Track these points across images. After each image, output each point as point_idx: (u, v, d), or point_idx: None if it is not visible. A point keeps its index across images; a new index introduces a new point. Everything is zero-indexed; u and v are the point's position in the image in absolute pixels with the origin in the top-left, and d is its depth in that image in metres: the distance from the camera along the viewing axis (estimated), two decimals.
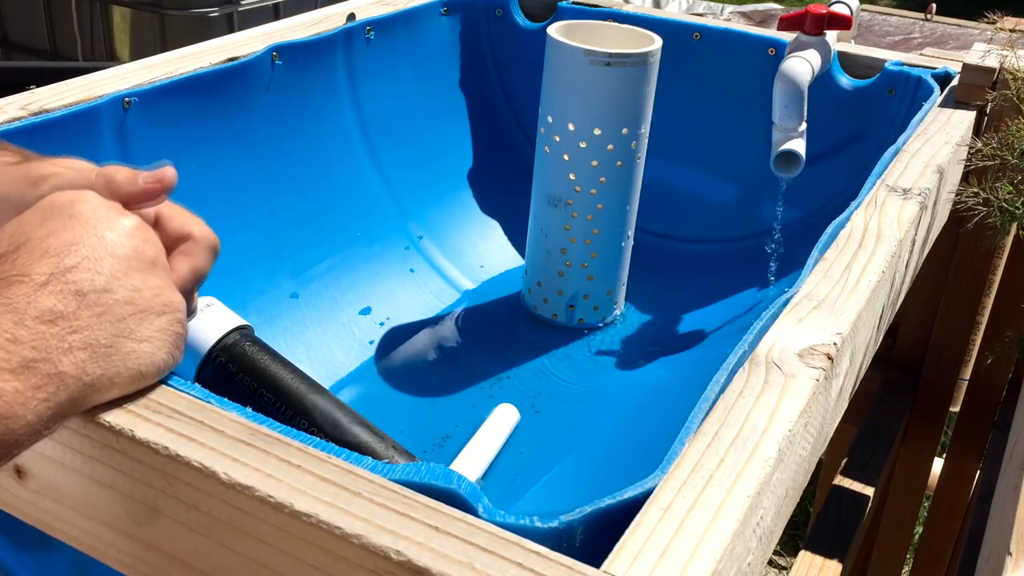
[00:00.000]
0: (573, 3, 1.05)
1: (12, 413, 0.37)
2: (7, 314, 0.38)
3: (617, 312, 0.89)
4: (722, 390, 0.46)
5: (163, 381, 0.44)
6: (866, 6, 2.07)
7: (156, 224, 0.47)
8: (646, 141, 0.83)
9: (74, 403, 0.40)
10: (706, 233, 0.99)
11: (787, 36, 0.91)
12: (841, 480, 1.01)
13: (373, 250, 0.90)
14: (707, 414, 0.45)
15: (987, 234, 0.86)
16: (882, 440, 1.07)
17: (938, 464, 1.21)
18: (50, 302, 0.39)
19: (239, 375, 0.58)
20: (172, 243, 0.47)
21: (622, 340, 0.86)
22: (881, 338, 0.69)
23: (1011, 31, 0.93)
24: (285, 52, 0.83)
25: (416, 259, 0.93)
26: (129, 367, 0.41)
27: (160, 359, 0.43)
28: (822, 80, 0.89)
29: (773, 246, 0.85)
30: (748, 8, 2.20)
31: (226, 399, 0.44)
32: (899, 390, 1.12)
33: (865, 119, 0.92)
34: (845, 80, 0.92)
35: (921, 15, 1.99)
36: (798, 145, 0.78)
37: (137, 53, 2.02)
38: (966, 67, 0.86)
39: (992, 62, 0.86)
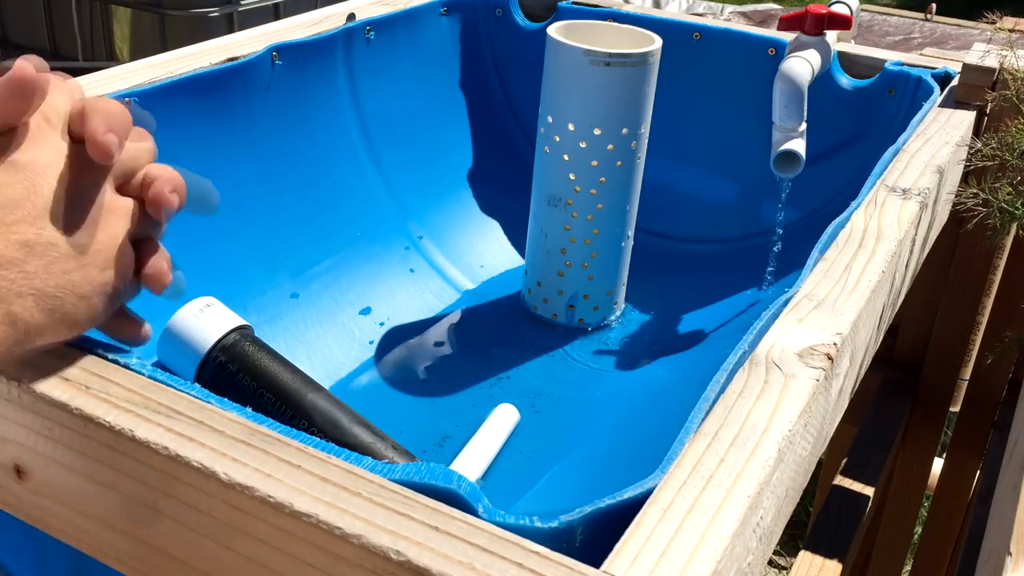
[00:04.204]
0: (573, 3, 1.05)
1: None
2: None
3: (617, 312, 0.89)
4: (722, 390, 0.46)
5: (162, 381, 0.44)
6: (866, 6, 2.07)
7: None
8: (646, 141, 0.83)
9: (19, 345, 0.42)
10: (706, 233, 0.99)
11: (787, 36, 0.91)
12: (841, 480, 1.01)
13: (373, 250, 0.90)
14: (707, 414, 0.45)
15: (987, 234, 0.86)
16: (882, 440, 1.07)
17: (938, 464, 1.21)
18: None
19: (239, 375, 0.58)
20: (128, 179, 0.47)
21: (622, 340, 0.86)
22: (881, 338, 0.69)
23: (1011, 31, 0.94)
24: (285, 52, 0.83)
25: (416, 259, 0.93)
26: (68, 316, 0.43)
27: (97, 311, 0.45)
28: (822, 80, 0.89)
29: (773, 244, 0.85)
30: (748, 8, 2.19)
31: (226, 399, 0.44)
32: (899, 390, 1.12)
33: (865, 119, 0.92)
34: (845, 80, 0.92)
35: (921, 15, 1.99)
36: (798, 145, 0.78)
37: (137, 53, 2.02)
38: (966, 67, 0.86)
39: (992, 62, 0.86)
